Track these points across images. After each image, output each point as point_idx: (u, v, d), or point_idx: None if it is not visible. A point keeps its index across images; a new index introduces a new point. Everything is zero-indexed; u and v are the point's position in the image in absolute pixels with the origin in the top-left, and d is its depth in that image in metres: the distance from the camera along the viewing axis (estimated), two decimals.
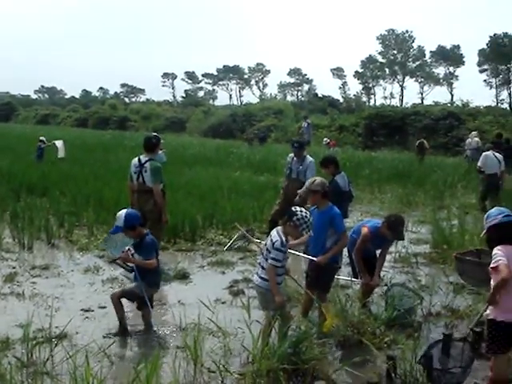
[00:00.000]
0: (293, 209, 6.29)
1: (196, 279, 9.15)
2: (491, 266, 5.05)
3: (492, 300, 5.09)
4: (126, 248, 6.91)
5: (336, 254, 7.27)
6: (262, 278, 6.24)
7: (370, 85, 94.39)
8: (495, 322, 5.11)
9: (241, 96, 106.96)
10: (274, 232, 6.31)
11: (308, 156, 11.56)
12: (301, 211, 6.20)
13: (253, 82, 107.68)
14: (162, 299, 8.09)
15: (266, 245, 6.32)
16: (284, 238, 6.14)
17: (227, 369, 5.65)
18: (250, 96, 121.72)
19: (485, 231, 5.49)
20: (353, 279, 8.13)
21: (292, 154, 11.62)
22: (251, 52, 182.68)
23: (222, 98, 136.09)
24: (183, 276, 9.18)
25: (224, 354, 6.04)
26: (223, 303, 7.99)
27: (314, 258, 6.97)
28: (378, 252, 7.94)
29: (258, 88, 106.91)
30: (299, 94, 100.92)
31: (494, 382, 5.30)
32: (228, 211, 12.76)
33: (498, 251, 5.07)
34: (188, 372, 5.59)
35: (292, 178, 11.44)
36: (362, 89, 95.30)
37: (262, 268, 6.24)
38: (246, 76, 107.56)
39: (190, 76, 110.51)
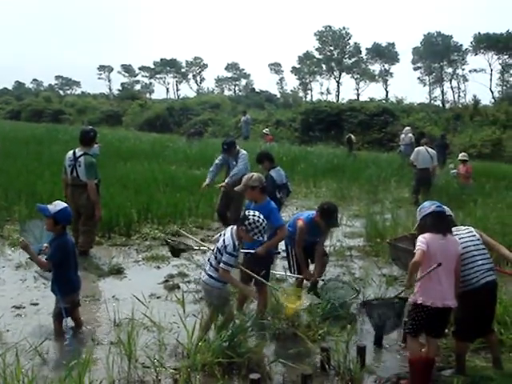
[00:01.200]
0: (246, 213, 6.23)
1: (131, 274, 9.06)
2: (414, 252, 5.49)
3: (407, 282, 5.71)
4: (45, 245, 6.70)
5: (273, 246, 7.34)
6: (208, 274, 6.19)
7: (307, 80, 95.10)
8: (417, 304, 5.55)
9: (178, 90, 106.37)
10: (227, 233, 6.23)
11: (241, 150, 11.67)
12: (253, 215, 6.12)
13: (190, 75, 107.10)
14: (96, 295, 7.99)
15: (217, 242, 6.28)
16: (237, 242, 6.09)
17: (162, 364, 5.64)
18: (188, 90, 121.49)
19: (418, 221, 5.88)
20: (288, 274, 8.20)
21: None
22: (189, 46, 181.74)
23: (159, 92, 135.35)
24: (118, 271, 9.07)
25: (159, 349, 6.04)
26: (158, 298, 7.95)
27: (252, 251, 6.95)
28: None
29: (196, 82, 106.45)
30: (236, 88, 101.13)
31: (412, 361, 5.68)
32: (163, 205, 12.66)
33: (421, 238, 5.53)
34: (122, 368, 5.54)
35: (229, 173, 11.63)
36: (299, 84, 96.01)
37: (210, 265, 6.20)
38: (183, 70, 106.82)
39: (127, 69, 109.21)
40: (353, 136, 28.76)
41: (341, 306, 7.41)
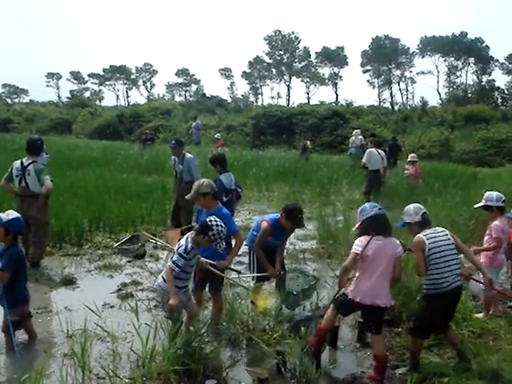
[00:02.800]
0: (209, 222, 6.16)
1: (83, 284, 8.96)
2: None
3: (339, 283, 6.11)
4: None
5: (235, 255, 7.38)
6: (163, 277, 6.25)
7: (258, 85, 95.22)
8: (349, 298, 5.90)
9: (128, 96, 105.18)
10: (185, 236, 6.28)
11: (186, 154, 11.80)
12: (216, 225, 6.11)
13: (140, 82, 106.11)
14: (48, 306, 7.88)
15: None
16: (190, 246, 6.09)
17: (116, 374, 5.60)
18: (138, 96, 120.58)
19: (359, 223, 6.02)
20: (241, 275, 8.18)
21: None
22: (138, 52, 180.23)
23: (109, 99, 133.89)
24: (70, 281, 8.97)
25: (113, 359, 6.00)
26: (111, 307, 7.89)
27: (214, 262, 6.87)
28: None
29: (146, 88, 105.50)
30: (187, 94, 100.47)
31: (322, 329, 6.21)
32: (115, 213, 12.55)
33: (358, 241, 5.80)
34: (76, 380, 5.48)
35: (178, 178, 11.76)
36: (250, 89, 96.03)
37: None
38: (133, 76, 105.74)
39: (76, 76, 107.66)
40: (309, 142, 28.93)
41: (303, 293, 7.57)
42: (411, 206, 6.25)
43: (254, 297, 7.18)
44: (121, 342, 6.43)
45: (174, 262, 6.04)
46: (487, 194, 7.96)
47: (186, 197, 7.40)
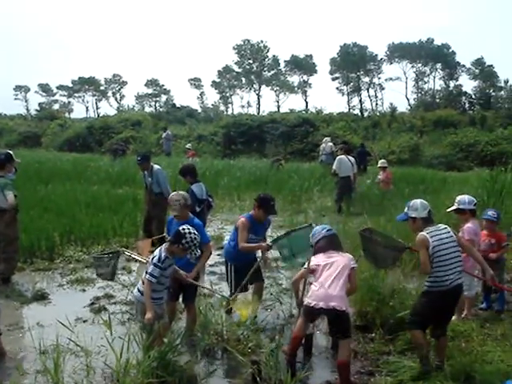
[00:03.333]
0: (181, 231, 6.19)
1: (55, 299, 8.87)
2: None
3: (296, 301, 6.67)
4: None
5: (203, 266, 7.37)
6: (138, 289, 6.27)
7: (228, 94, 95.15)
8: (306, 305, 6.06)
9: (98, 108, 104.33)
10: (159, 247, 6.29)
11: (154, 166, 11.79)
12: (189, 233, 6.14)
13: (110, 93, 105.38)
14: (20, 322, 7.80)
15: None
16: (163, 255, 6.09)
17: None
18: (108, 108, 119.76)
19: (313, 245, 6.44)
20: (214, 290, 8.17)
21: None
22: (107, 63, 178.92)
23: (79, 111, 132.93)
24: (42, 296, 8.88)
25: (87, 374, 5.96)
26: (84, 322, 7.83)
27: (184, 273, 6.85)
28: None
29: (116, 99, 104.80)
30: (157, 104, 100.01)
31: (295, 337, 6.25)
32: (86, 226, 12.46)
33: (314, 258, 6.29)
34: None
35: (148, 190, 11.93)
36: (220, 98, 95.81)
37: (143, 281, 6.22)
38: (102, 87, 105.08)
39: (44, 88, 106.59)
40: (283, 161, 28.84)
41: (295, 241, 7.68)
42: (418, 201, 6.24)
43: (236, 307, 7.19)
44: (94, 357, 6.38)
45: (150, 274, 6.02)
46: (459, 197, 8.07)
47: (173, 212, 7.37)
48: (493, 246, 8.29)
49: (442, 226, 6.20)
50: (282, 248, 7.68)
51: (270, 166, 26.69)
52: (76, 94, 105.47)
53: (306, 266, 6.35)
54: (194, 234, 6.18)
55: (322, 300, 5.82)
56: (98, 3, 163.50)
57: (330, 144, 26.20)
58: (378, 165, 19.50)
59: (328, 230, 6.54)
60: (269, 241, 8.09)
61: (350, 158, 17.01)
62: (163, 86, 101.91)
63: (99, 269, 7.65)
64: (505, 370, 5.95)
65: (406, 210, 6.28)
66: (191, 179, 10.49)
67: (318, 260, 6.22)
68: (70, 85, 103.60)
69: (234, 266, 7.89)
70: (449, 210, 8.32)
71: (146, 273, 6.12)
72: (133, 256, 8.06)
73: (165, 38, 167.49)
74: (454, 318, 7.65)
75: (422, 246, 5.97)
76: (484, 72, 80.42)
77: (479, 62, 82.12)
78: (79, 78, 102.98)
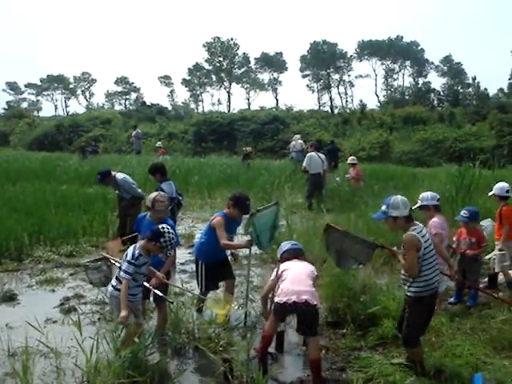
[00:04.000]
0: (161, 229, 6.17)
1: (24, 300, 8.76)
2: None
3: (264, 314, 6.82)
4: None
5: (171, 266, 7.34)
6: (112, 285, 6.27)
7: (198, 92, 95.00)
8: (277, 304, 6.05)
9: (67, 106, 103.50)
10: (133, 245, 6.28)
11: (117, 175, 11.58)
12: (168, 232, 6.14)
13: (79, 91, 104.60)
14: None
15: None
16: (137, 252, 6.07)
17: None
18: (77, 106, 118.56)
19: (279, 257, 6.66)
20: (186, 289, 8.14)
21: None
22: (76, 61, 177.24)
23: (48, 109, 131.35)
24: (10, 298, 8.75)
25: (57, 376, 5.89)
26: (54, 322, 7.74)
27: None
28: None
29: (85, 98, 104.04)
30: (127, 102, 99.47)
31: (265, 336, 6.24)
32: (56, 226, 12.34)
33: (278, 268, 6.48)
34: None
35: (118, 195, 11.88)
36: (190, 96, 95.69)
37: (116, 278, 6.24)
38: (71, 85, 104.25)
39: (12, 86, 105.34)
40: (250, 149, 29.15)
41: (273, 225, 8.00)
42: (398, 198, 5.90)
43: (210, 307, 7.15)
44: (64, 358, 6.32)
45: (124, 271, 6.01)
46: (422, 194, 8.15)
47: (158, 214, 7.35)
48: (473, 245, 8.39)
49: (420, 224, 6.02)
50: (251, 231, 7.68)
51: (240, 163, 26.69)
52: (45, 93, 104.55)
53: (273, 277, 6.46)
54: (173, 234, 6.21)
55: (294, 294, 5.84)
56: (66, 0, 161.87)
57: (300, 141, 26.25)
58: (348, 162, 19.61)
59: (294, 245, 6.81)
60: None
61: (320, 154, 17.08)
62: (133, 83, 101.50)
63: (90, 276, 7.55)
64: (474, 363, 6.02)
65: (384, 208, 5.93)
66: (160, 177, 10.45)
67: (285, 265, 6.36)
68: (39, 83, 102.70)
69: (205, 263, 7.85)
70: (413, 207, 8.39)
71: (120, 270, 6.11)
72: (112, 260, 7.95)
73: (134, 35, 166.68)
74: None
75: (413, 247, 5.72)
76: (452, 69, 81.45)
77: (447, 60, 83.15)
78: (48, 75, 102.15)
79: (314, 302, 5.86)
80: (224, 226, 7.67)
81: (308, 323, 5.94)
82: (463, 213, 8.43)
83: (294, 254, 6.59)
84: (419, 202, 8.06)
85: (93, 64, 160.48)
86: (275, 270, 6.53)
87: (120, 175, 11.67)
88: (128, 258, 6.05)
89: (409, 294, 5.91)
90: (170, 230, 6.21)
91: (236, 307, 7.48)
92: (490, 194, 9.32)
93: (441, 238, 7.77)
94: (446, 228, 8.08)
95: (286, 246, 6.77)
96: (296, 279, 6.03)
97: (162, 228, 6.19)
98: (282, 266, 6.39)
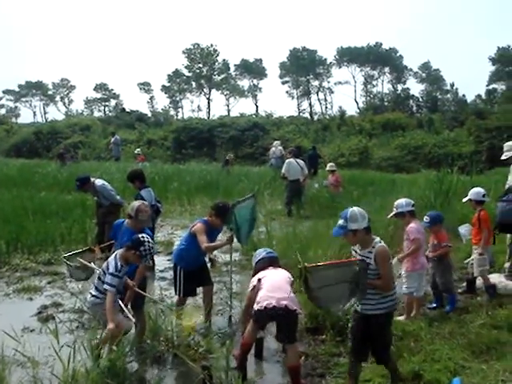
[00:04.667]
0: (141, 238, 6.15)
1: (1, 308, 8.63)
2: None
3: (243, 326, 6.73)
4: None
5: (143, 274, 7.29)
6: (92, 295, 6.24)
7: (178, 98, 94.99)
8: (256, 312, 6.03)
9: (46, 113, 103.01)
10: (112, 255, 6.21)
11: (95, 182, 11.53)
12: (148, 242, 6.13)
13: (58, 98, 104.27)
14: None
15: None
16: (119, 263, 6.03)
17: None
18: (56, 113, 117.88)
19: (254, 265, 6.71)
20: (157, 300, 8.06)
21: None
22: (55, 67, 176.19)
23: (26, 116, 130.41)
24: None
25: None
26: (32, 331, 7.65)
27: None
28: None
29: (64, 104, 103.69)
30: (106, 109, 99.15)
31: (245, 343, 6.27)
32: (34, 234, 12.25)
33: (253, 278, 6.44)
34: None
35: (97, 204, 11.80)
36: (170, 102, 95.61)
37: (95, 287, 6.23)
38: (50, 92, 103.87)
39: None
40: (232, 155, 29.32)
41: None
42: (355, 211, 5.35)
43: (179, 318, 7.12)
44: (42, 367, 6.23)
45: (109, 284, 5.97)
46: (397, 202, 8.16)
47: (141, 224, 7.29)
48: (436, 247, 8.43)
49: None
50: (232, 225, 7.76)
51: (220, 170, 26.69)
52: (23, 99, 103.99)
53: (250, 288, 6.40)
54: (152, 244, 6.22)
55: (274, 299, 5.83)
56: (44, 6, 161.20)
57: (280, 148, 26.29)
58: (327, 168, 19.70)
59: (269, 253, 6.82)
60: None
61: (299, 161, 17.12)
62: (112, 90, 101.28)
63: (72, 271, 7.51)
64: (452, 368, 6.03)
65: (341, 222, 5.34)
66: (140, 184, 10.41)
67: (261, 275, 6.36)
68: (17, 89, 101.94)
69: (184, 270, 7.81)
70: (389, 216, 8.43)
71: (103, 282, 6.09)
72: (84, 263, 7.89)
73: (114, 42, 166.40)
74: (402, 317, 7.78)
75: (386, 259, 5.36)
76: (431, 76, 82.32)
77: (426, 66, 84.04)
78: (26, 82, 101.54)
79: (294, 307, 5.86)
80: (205, 233, 7.63)
81: (287, 329, 5.93)
82: (425, 218, 8.47)
83: (269, 262, 6.61)
84: (394, 209, 8.09)
85: (72, 70, 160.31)
86: (251, 281, 6.48)
87: (99, 181, 11.58)
88: (111, 271, 6.00)
89: (379, 311, 5.37)
90: (150, 241, 6.21)
91: (201, 317, 7.40)
92: (464, 200, 9.36)
93: (419, 242, 7.81)
94: (424, 232, 8.12)
95: (261, 254, 6.79)
96: (275, 286, 6.03)
97: (142, 237, 6.17)
98: (258, 275, 6.37)
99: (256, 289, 6.22)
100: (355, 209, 5.41)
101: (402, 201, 8.11)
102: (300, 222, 13.83)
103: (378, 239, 5.39)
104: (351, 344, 5.72)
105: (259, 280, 6.25)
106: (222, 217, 7.73)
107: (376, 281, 5.29)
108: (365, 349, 5.56)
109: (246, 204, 8.02)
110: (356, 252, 5.47)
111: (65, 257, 7.76)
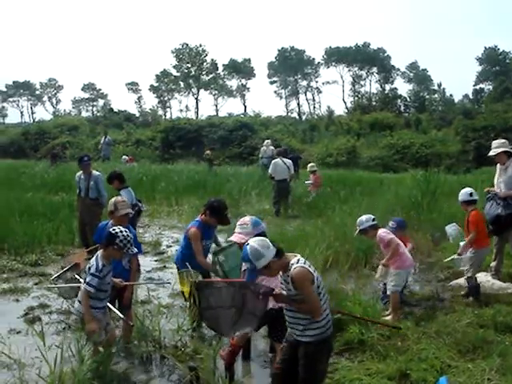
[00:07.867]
0: (112, 231, 6.05)
1: None
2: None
3: None
4: None
5: (134, 279, 7.28)
6: (78, 301, 6.12)
7: (166, 98, 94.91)
8: None
9: (33, 113, 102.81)
10: (95, 256, 6.13)
11: (94, 171, 11.63)
12: (121, 231, 6.02)
13: (45, 98, 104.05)
14: None
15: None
16: (101, 263, 5.95)
17: None
18: (43, 113, 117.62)
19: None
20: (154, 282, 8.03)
21: (80, 173, 11.68)
22: (42, 67, 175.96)
23: (13, 116, 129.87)
24: None
25: None
26: (18, 333, 7.58)
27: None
28: None
29: (51, 104, 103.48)
30: (94, 109, 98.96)
31: (235, 344, 6.19)
32: (20, 235, 12.19)
33: None
34: None
35: (82, 196, 11.66)
36: (158, 102, 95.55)
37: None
38: (37, 92, 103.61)
39: None
40: (209, 152, 29.33)
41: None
42: (255, 246, 4.62)
43: (181, 286, 7.12)
44: (28, 369, 6.20)
45: (88, 284, 5.88)
46: (357, 220, 8.17)
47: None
48: None
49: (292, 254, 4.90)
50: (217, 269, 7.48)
51: (208, 170, 26.68)
52: (10, 99, 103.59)
53: None
54: (126, 231, 6.08)
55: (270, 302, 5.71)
56: (32, 4, 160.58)
57: (271, 147, 26.20)
58: (308, 169, 19.87)
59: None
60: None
61: (286, 161, 17.13)
62: (100, 90, 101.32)
63: (61, 290, 7.41)
64: (439, 367, 6.06)
65: (248, 266, 4.73)
66: (119, 185, 10.52)
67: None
68: (4, 89, 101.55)
69: None
70: (355, 235, 8.50)
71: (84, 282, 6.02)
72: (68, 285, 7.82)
73: (102, 41, 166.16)
74: (389, 317, 7.79)
75: (308, 281, 4.65)
76: (418, 76, 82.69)
77: (413, 66, 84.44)
78: (13, 82, 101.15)
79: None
80: (201, 236, 7.55)
81: (281, 329, 5.88)
82: (391, 224, 8.52)
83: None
84: (357, 228, 8.12)
85: (60, 70, 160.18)
86: None
87: (96, 172, 11.85)
88: (92, 271, 5.92)
89: (307, 339, 4.80)
90: (123, 229, 6.08)
91: (199, 277, 7.09)
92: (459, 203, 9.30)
93: (395, 241, 7.85)
94: (391, 232, 8.14)
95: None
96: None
97: (113, 230, 6.08)
98: None
99: None
100: (251, 244, 4.64)
101: (361, 218, 8.11)
102: (288, 221, 13.83)
103: (295, 259, 4.74)
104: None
105: None
106: (217, 216, 7.64)
107: (301, 304, 4.72)
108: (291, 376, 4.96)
109: (231, 251, 7.73)
110: (281, 276, 4.86)
111: (53, 279, 7.71)
